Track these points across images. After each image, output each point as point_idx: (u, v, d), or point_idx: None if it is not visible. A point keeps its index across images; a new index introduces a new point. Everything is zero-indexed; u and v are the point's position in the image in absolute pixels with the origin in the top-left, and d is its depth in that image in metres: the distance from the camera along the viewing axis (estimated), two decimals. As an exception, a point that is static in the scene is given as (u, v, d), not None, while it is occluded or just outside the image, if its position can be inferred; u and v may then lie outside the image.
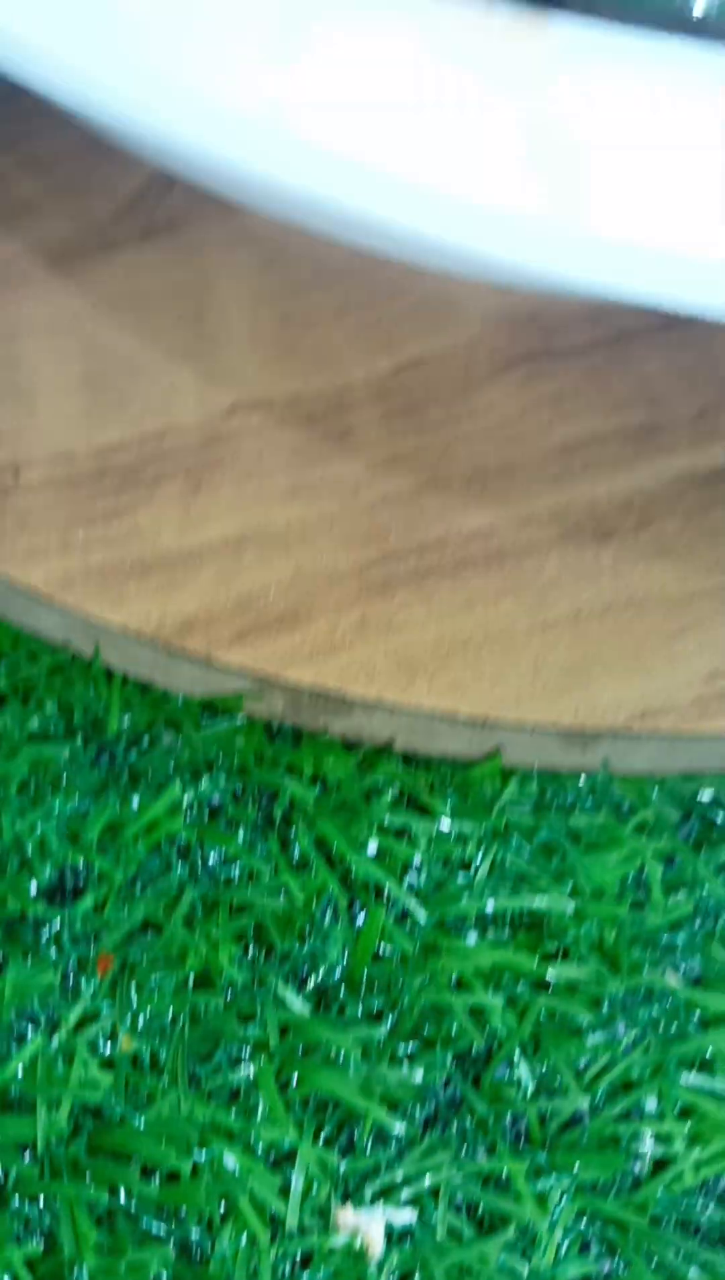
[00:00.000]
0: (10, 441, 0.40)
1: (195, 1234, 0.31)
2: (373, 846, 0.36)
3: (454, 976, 0.34)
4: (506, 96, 0.24)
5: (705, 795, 0.38)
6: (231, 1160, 0.31)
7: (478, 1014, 0.34)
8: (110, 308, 0.43)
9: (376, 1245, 0.31)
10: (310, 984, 0.34)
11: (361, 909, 0.35)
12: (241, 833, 0.36)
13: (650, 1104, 0.33)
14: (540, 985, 0.34)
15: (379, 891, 0.35)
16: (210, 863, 0.35)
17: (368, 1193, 0.32)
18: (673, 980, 0.35)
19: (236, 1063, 0.33)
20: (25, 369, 0.41)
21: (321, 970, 0.34)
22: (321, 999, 0.34)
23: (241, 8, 0.25)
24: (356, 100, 0.24)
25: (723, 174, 0.24)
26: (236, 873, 0.35)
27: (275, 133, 0.24)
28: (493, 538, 0.39)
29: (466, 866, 0.36)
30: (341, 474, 0.40)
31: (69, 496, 0.39)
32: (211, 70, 0.25)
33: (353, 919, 0.35)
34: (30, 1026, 0.33)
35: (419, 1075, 0.33)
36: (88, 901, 0.34)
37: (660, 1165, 0.33)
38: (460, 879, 0.35)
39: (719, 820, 0.37)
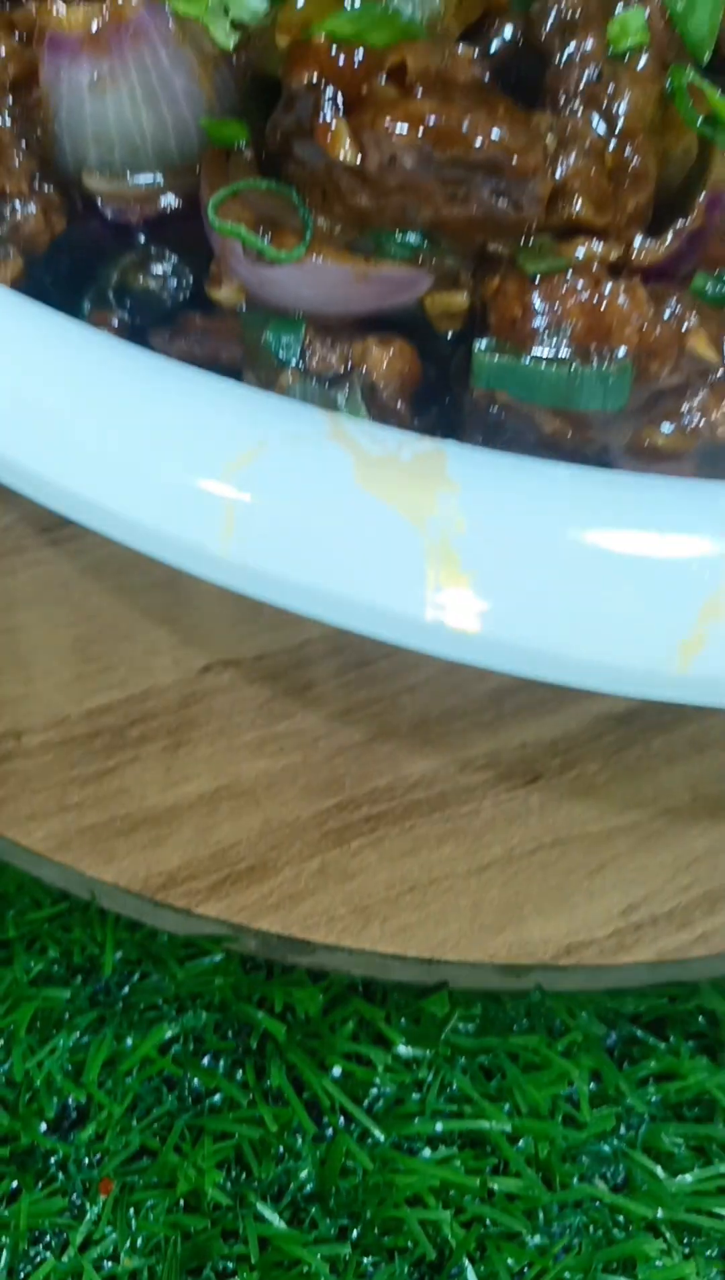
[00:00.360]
0: (12, 709, 0.45)
1: None
2: (337, 1071, 0.41)
3: (409, 1193, 0.39)
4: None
5: (628, 1009, 0.43)
6: None
7: (430, 1225, 0.39)
8: (95, 573, 0.49)
9: None
10: (285, 1199, 0.39)
11: (328, 1128, 0.40)
12: (222, 1063, 0.41)
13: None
14: (484, 1198, 0.39)
15: (344, 1113, 0.40)
16: (196, 1090, 0.41)
17: None
18: (601, 1186, 0.40)
19: (223, 1277, 0.38)
20: (22, 638, 0.47)
21: (293, 1188, 0.39)
22: (296, 1214, 0.39)
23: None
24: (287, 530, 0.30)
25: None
26: (219, 1100, 0.41)
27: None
28: (435, 784, 0.45)
29: (419, 1086, 0.41)
30: (303, 727, 0.46)
31: (64, 758, 0.45)
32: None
33: (322, 1138, 0.40)
34: (42, 1248, 0.38)
35: (380, 1285, 0.38)
36: (90, 1131, 0.40)
37: None
38: (413, 1100, 0.41)
39: (639, 1035, 0.43)
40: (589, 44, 0.36)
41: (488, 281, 0.35)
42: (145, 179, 0.39)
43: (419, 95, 0.32)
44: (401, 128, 0.32)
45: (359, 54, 0.32)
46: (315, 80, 0.32)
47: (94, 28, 0.36)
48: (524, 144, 0.32)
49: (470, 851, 0.43)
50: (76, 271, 0.43)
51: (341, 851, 0.43)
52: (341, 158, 0.33)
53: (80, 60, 0.36)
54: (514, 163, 0.32)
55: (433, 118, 0.32)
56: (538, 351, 0.34)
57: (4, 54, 0.38)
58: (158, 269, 0.42)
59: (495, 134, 0.32)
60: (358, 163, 0.33)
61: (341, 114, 0.32)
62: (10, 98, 0.38)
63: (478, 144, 0.32)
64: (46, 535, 0.50)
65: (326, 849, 0.43)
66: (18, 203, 0.39)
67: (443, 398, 0.39)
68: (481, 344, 0.34)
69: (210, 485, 0.30)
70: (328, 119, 0.32)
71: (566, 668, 0.30)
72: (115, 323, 0.42)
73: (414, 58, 0.32)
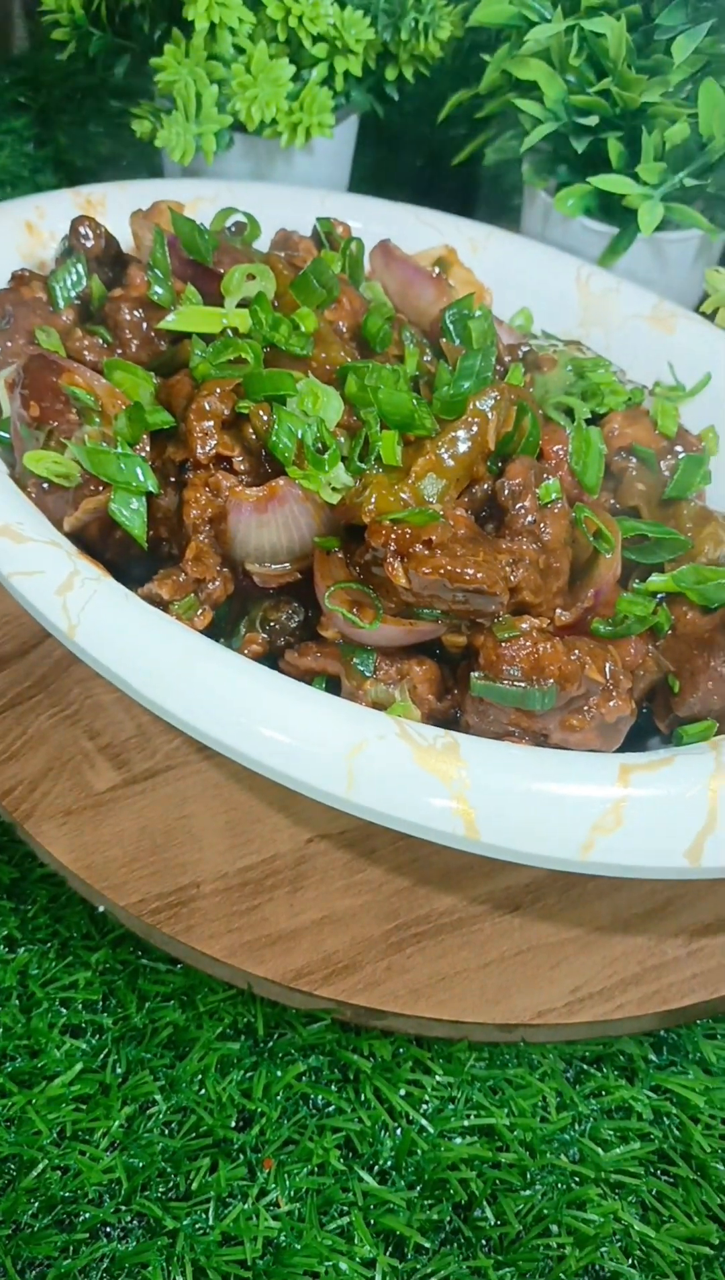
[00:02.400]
0: (192, 869, 0.73)
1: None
2: (402, 1091, 0.68)
3: (448, 1163, 0.65)
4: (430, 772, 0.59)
5: (578, 1052, 0.70)
6: None
7: (462, 1181, 0.65)
8: (236, 778, 0.78)
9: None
10: (376, 1168, 0.66)
11: (398, 1126, 0.67)
12: (333, 1087, 0.68)
13: None
14: (494, 1165, 0.66)
15: (408, 1117, 0.67)
16: (319, 1104, 0.67)
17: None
18: (564, 1159, 0.66)
19: (341, 1215, 0.64)
20: (194, 822, 0.75)
21: (380, 1161, 0.66)
22: (383, 1176, 0.65)
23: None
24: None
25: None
26: (332, 1109, 0.67)
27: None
28: (454, 913, 0.72)
29: (452, 1100, 0.68)
30: (371, 877, 0.74)
31: (227, 899, 0.72)
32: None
33: (395, 1131, 0.67)
34: (234, 1200, 0.64)
35: (417, 1200, 0.64)
36: (256, 1129, 0.66)
37: None
38: (449, 1108, 0.67)
39: (585, 1068, 0.69)
40: (527, 502, 0.66)
41: (476, 636, 0.65)
42: (280, 567, 0.69)
43: (439, 554, 0.62)
44: (429, 572, 0.62)
45: (408, 532, 0.62)
46: (384, 543, 0.62)
47: (260, 495, 0.66)
48: (495, 579, 0.62)
49: (478, 955, 0.71)
50: (238, 612, 0.73)
51: (400, 955, 0.71)
52: (399, 583, 0.62)
53: (251, 513, 0.67)
54: (488, 589, 0.62)
55: (446, 568, 0.61)
56: (505, 680, 0.63)
57: (205, 502, 0.68)
58: (286, 611, 0.71)
59: (480, 575, 0.61)
60: (408, 585, 0.62)
61: (399, 560, 0.62)
62: (209, 526, 0.68)
63: (469, 580, 0.62)
64: (202, 753, 0.79)
65: (391, 954, 0.71)
66: (210, 582, 0.69)
67: (452, 690, 0.68)
68: (477, 674, 0.64)
69: (337, 763, 0.59)
70: (393, 563, 0.62)
71: (521, 854, 0.58)
72: (260, 642, 0.71)
73: (436, 534, 0.62)
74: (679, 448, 0.76)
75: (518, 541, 0.65)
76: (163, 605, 0.66)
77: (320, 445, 0.66)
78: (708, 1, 0.85)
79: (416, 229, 0.91)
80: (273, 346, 0.72)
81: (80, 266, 0.80)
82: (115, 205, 0.90)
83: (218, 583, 0.68)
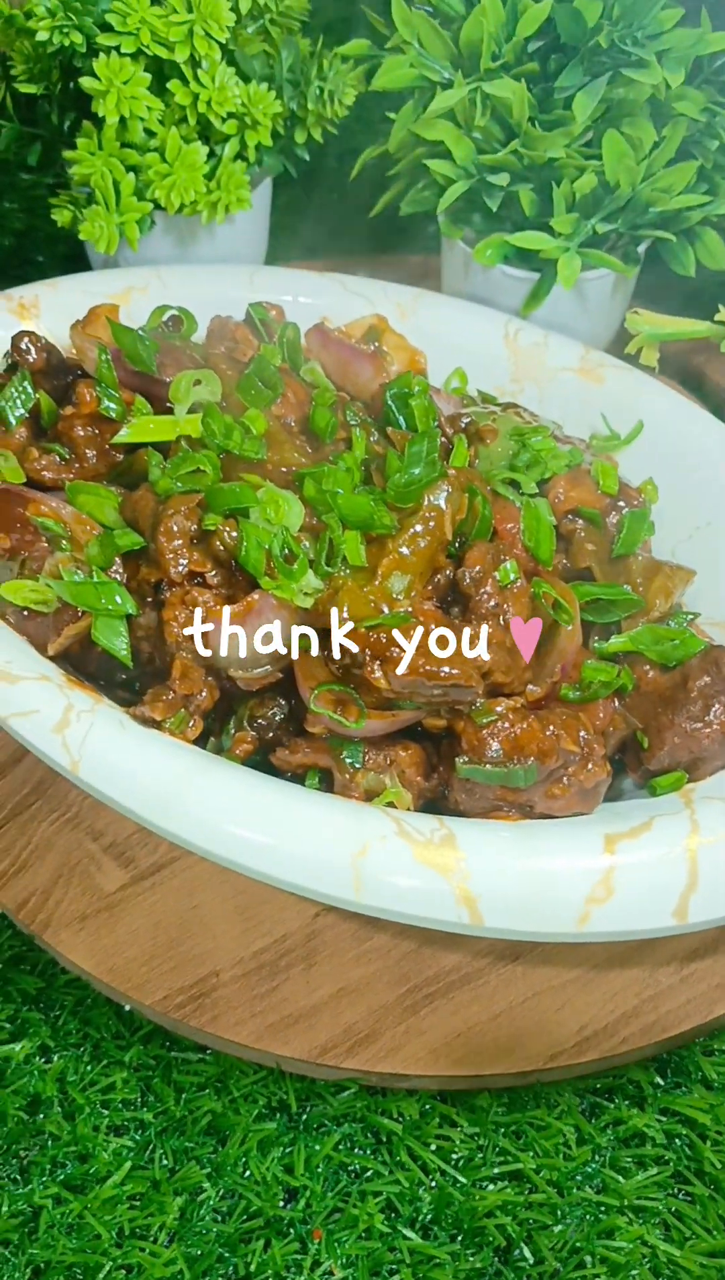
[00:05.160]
0: (209, 958, 0.77)
1: None
2: (433, 1146, 0.72)
3: (484, 1211, 0.70)
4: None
5: (590, 1086, 0.75)
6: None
7: (499, 1227, 0.70)
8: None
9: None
10: (417, 1223, 0.70)
11: (433, 1180, 0.71)
12: (368, 1150, 0.72)
13: None
14: (525, 1206, 0.70)
15: (441, 1171, 0.72)
16: (356, 1170, 0.72)
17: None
18: (589, 1191, 0.71)
19: (392, 1273, 0.69)
20: (204, 910, 0.79)
21: (421, 1217, 0.70)
22: (425, 1231, 0.70)
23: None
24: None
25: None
26: (371, 1174, 0.71)
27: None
28: (461, 969, 0.77)
29: (480, 1148, 0.72)
30: (379, 944, 0.78)
31: (247, 984, 0.76)
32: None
33: (431, 1186, 0.71)
34: (289, 1273, 0.69)
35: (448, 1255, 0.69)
36: (302, 1202, 0.70)
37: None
38: (478, 1156, 0.72)
39: (598, 1100, 0.74)
40: (488, 587, 0.70)
41: (456, 721, 0.69)
42: (262, 670, 0.72)
43: (414, 655, 0.65)
44: (407, 674, 0.65)
45: (383, 636, 0.66)
46: (362, 649, 0.66)
47: (239, 610, 0.69)
48: (470, 673, 0.66)
49: (487, 1008, 0.75)
50: (224, 711, 0.76)
51: (416, 1018, 0.75)
52: (380, 686, 0.66)
53: (231, 626, 0.69)
54: (465, 683, 0.65)
55: (423, 668, 0.65)
56: (488, 763, 0.67)
57: (184, 619, 0.70)
58: (271, 708, 0.75)
59: (456, 671, 0.65)
60: (388, 687, 0.66)
61: (378, 664, 0.66)
62: (200, 644, 0.71)
63: (445, 677, 0.65)
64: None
65: (407, 1018, 0.75)
66: (198, 694, 0.72)
67: (438, 768, 0.72)
68: (461, 759, 0.68)
69: (345, 871, 0.62)
70: (372, 667, 0.66)
71: (524, 933, 0.63)
72: (250, 740, 0.74)
73: (410, 637, 0.66)
74: (622, 503, 0.79)
75: (483, 623, 0.69)
76: (155, 724, 0.69)
77: (287, 553, 0.69)
78: (602, 55, 0.88)
79: (345, 299, 0.93)
80: (227, 453, 0.74)
81: (27, 384, 0.82)
82: (48, 306, 0.92)
83: (205, 693, 0.71)
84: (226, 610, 0.68)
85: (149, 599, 0.71)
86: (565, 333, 0.99)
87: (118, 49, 0.88)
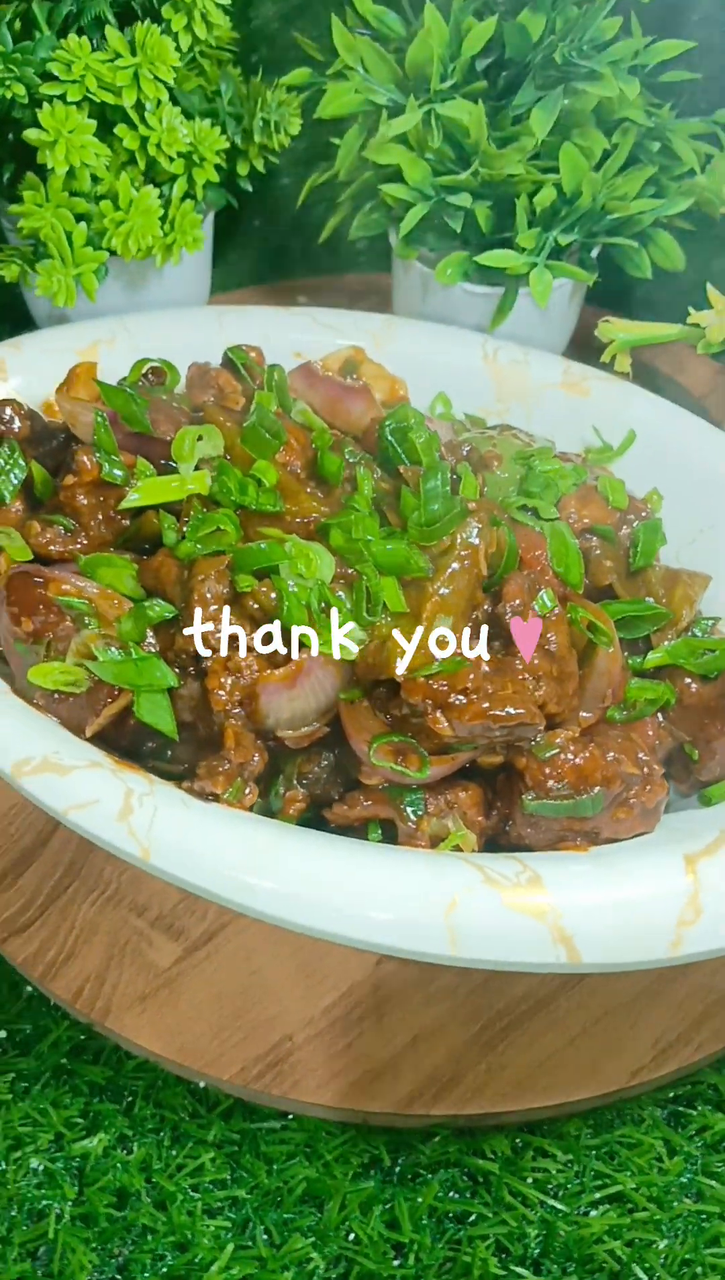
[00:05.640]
0: (280, 1022, 0.75)
1: None
2: (529, 1180, 0.72)
3: (593, 1238, 0.70)
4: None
5: (670, 1095, 0.76)
6: None
7: (609, 1252, 0.70)
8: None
9: None
10: (527, 1259, 0.70)
11: (538, 1212, 0.71)
12: (468, 1194, 0.72)
13: None
14: (628, 1226, 0.71)
15: (543, 1204, 0.71)
16: (460, 1214, 0.71)
17: None
18: (687, 1201, 0.72)
19: (508, 1313, 0.69)
20: (266, 974, 0.77)
21: (530, 1251, 0.70)
22: (535, 1265, 0.70)
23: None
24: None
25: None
26: (475, 1219, 0.71)
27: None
28: (531, 997, 0.77)
29: (578, 1174, 0.72)
30: (445, 982, 0.77)
31: (322, 1044, 0.75)
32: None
33: (535, 1220, 0.71)
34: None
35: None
36: (409, 1259, 0.70)
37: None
38: (576, 1182, 0.72)
39: (681, 1109, 0.75)
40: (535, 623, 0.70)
41: (517, 759, 0.68)
42: (310, 728, 0.71)
43: (476, 699, 0.65)
44: (472, 719, 0.65)
45: (443, 684, 0.65)
46: (423, 699, 0.65)
47: (289, 671, 0.67)
48: (533, 710, 0.65)
49: (563, 1034, 0.75)
50: (271, 770, 0.74)
51: (494, 1054, 0.74)
52: (445, 734, 0.65)
53: (282, 690, 0.68)
54: (529, 721, 0.65)
55: (488, 712, 0.64)
56: (554, 796, 0.67)
57: (231, 686, 0.69)
58: (317, 764, 0.73)
59: (520, 711, 0.65)
60: (453, 734, 0.65)
61: (441, 712, 0.65)
62: (239, 708, 0.69)
63: (510, 718, 0.65)
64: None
65: (486, 1055, 0.74)
66: (253, 759, 0.70)
67: (496, 805, 0.72)
68: (529, 796, 0.67)
69: (438, 928, 0.62)
70: (436, 715, 0.65)
71: (622, 965, 0.63)
72: (302, 798, 0.73)
73: (469, 680, 0.65)
74: (630, 515, 0.80)
75: (533, 660, 0.68)
76: (214, 797, 0.67)
77: (324, 607, 0.68)
78: (551, 70, 0.88)
79: (317, 333, 0.92)
80: (243, 508, 0.73)
81: (18, 455, 0.79)
82: (14, 368, 0.89)
83: (256, 758, 0.69)
84: (277, 674, 0.67)
85: (190, 669, 0.69)
86: (526, 343, 1.00)
87: (63, 98, 0.85)
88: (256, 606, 0.69)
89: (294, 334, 0.91)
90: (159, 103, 0.88)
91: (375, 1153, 0.74)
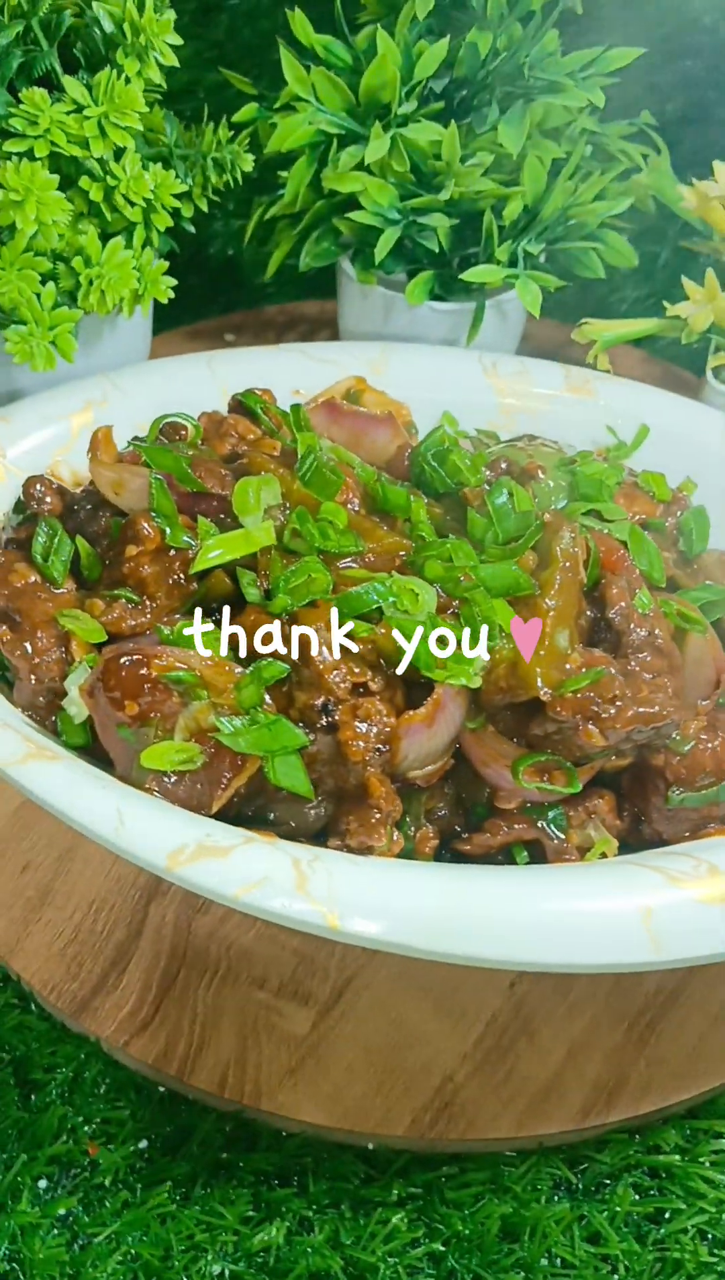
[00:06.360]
0: (435, 1065, 0.74)
1: None
2: (710, 1163, 0.73)
3: None
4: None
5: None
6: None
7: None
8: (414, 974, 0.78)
9: None
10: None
11: (714, 1190, 0.72)
12: (663, 1193, 0.72)
13: None
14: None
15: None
16: (667, 1217, 0.72)
17: None
18: None
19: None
20: (408, 1018, 0.75)
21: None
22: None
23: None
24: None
25: None
26: (681, 1211, 0.72)
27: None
28: (666, 986, 0.78)
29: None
30: (583, 991, 0.77)
31: (484, 1078, 0.73)
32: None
33: (715, 1186, 0.72)
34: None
35: None
36: (622, 1269, 0.70)
37: None
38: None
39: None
40: (635, 621, 0.71)
41: (654, 757, 0.69)
42: (439, 763, 0.70)
43: (622, 706, 0.65)
44: (623, 725, 0.65)
45: (591, 695, 0.65)
46: (573, 714, 0.65)
47: (428, 710, 0.66)
48: (674, 707, 0.66)
49: (705, 1013, 0.77)
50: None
51: (649, 1048, 0.74)
52: (598, 744, 0.66)
53: (423, 730, 0.67)
54: (676, 718, 0.66)
55: (640, 716, 0.65)
56: (700, 787, 0.68)
57: (365, 734, 0.67)
58: (440, 798, 0.72)
59: (666, 711, 0.66)
60: (607, 743, 0.66)
61: (591, 724, 0.65)
62: (376, 754, 0.67)
63: (658, 716, 0.66)
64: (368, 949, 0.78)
65: (643, 1050, 0.74)
66: (397, 803, 0.68)
67: (628, 807, 0.72)
68: (675, 790, 0.69)
69: (640, 936, 0.62)
70: (588, 728, 0.65)
71: None
72: (433, 833, 0.72)
73: (613, 689, 0.66)
74: (673, 505, 0.83)
75: (645, 656, 0.70)
76: (370, 850, 0.66)
77: (440, 638, 0.68)
78: (507, 86, 0.89)
79: (312, 368, 0.90)
80: (325, 552, 0.71)
81: (60, 533, 0.74)
82: (9, 439, 0.83)
83: (398, 803, 0.68)
84: (419, 714, 0.66)
85: (316, 723, 0.67)
86: (491, 350, 1.01)
87: (29, 154, 0.81)
88: (370, 649, 0.68)
89: (288, 372, 0.90)
90: (122, 151, 0.85)
91: (558, 1173, 0.73)
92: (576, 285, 1.06)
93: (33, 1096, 0.75)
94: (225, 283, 1.31)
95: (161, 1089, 0.75)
